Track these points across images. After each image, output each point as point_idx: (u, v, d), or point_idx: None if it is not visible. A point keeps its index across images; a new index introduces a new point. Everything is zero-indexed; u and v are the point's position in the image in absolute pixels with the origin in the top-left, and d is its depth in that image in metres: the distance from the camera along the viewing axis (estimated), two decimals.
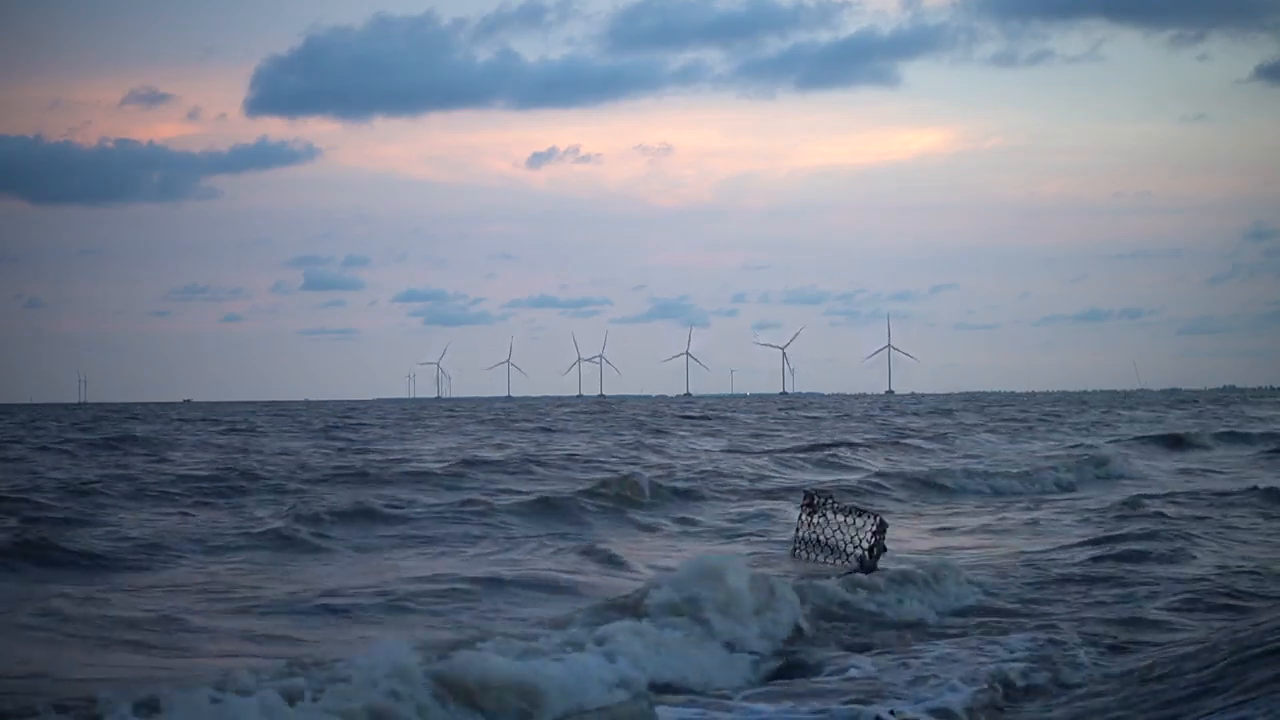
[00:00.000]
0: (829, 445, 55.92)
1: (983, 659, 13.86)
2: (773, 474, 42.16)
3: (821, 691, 12.69)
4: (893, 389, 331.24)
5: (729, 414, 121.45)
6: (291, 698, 10.67)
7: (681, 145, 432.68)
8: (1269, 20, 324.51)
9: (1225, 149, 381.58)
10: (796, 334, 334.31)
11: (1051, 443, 62.69)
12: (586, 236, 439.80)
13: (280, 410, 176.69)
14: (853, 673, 13.53)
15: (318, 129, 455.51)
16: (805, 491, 25.75)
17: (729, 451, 54.71)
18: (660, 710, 11.79)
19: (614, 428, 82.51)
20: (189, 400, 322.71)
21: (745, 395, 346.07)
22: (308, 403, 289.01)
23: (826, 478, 39.86)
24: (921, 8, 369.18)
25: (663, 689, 12.79)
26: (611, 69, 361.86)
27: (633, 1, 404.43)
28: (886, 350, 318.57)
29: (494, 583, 19.07)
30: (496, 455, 48.39)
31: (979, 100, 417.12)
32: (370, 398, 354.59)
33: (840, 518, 23.91)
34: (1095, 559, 21.88)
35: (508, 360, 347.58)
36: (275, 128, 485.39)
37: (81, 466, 43.50)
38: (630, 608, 15.19)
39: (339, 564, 22.01)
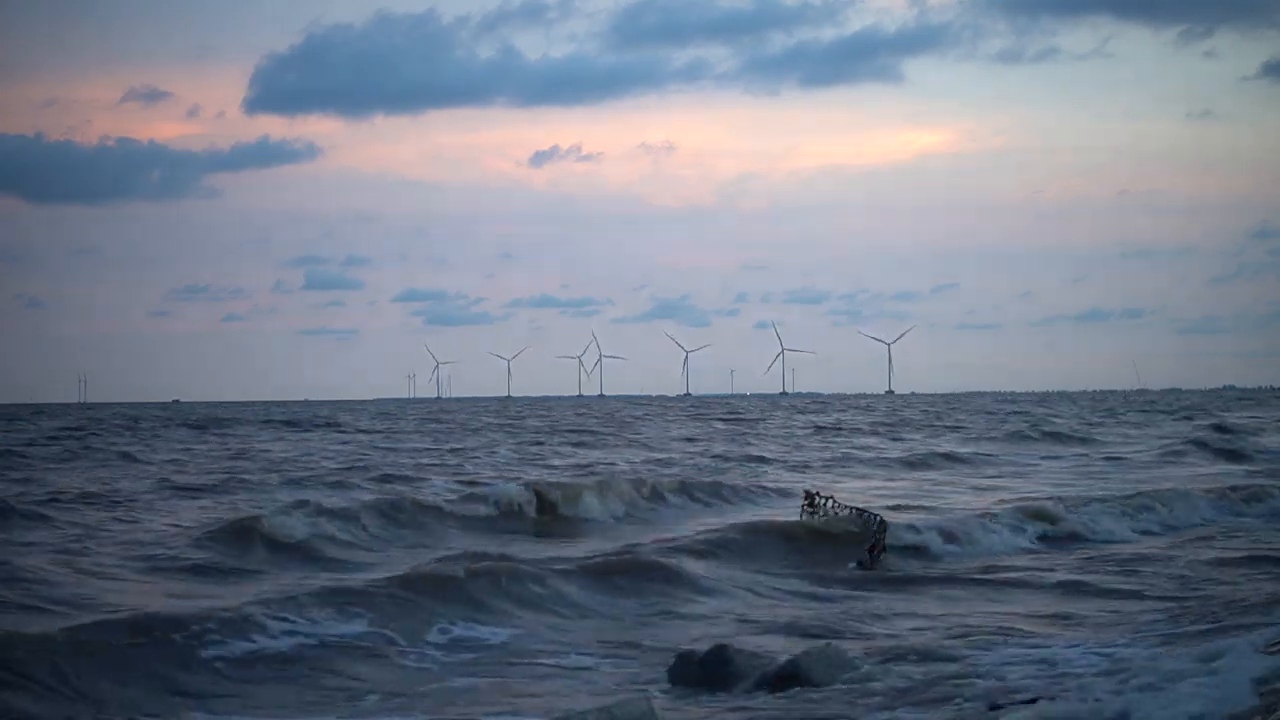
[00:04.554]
0: None
1: None
2: None
3: None
4: (893, 389, 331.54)
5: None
6: None
7: (684, 144, 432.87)
8: (1277, 17, 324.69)
9: (1232, 147, 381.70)
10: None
11: None
12: (587, 236, 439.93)
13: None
14: None
15: (318, 127, 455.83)
16: (805, 491, 25.90)
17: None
18: None
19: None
20: (178, 400, 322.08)
21: (746, 395, 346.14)
22: (307, 402, 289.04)
23: None
24: (927, 5, 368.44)
25: None
26: (614, 66, 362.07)
27: None
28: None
29: None
30: None
31: (984, 98, 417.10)
32: (370, 398, 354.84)
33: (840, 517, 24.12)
34: None
35: (508, 360, 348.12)
36: (276, 126, 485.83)
37: None
38: None
39: None
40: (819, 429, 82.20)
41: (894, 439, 69.74)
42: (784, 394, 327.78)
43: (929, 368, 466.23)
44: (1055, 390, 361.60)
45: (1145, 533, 27.68)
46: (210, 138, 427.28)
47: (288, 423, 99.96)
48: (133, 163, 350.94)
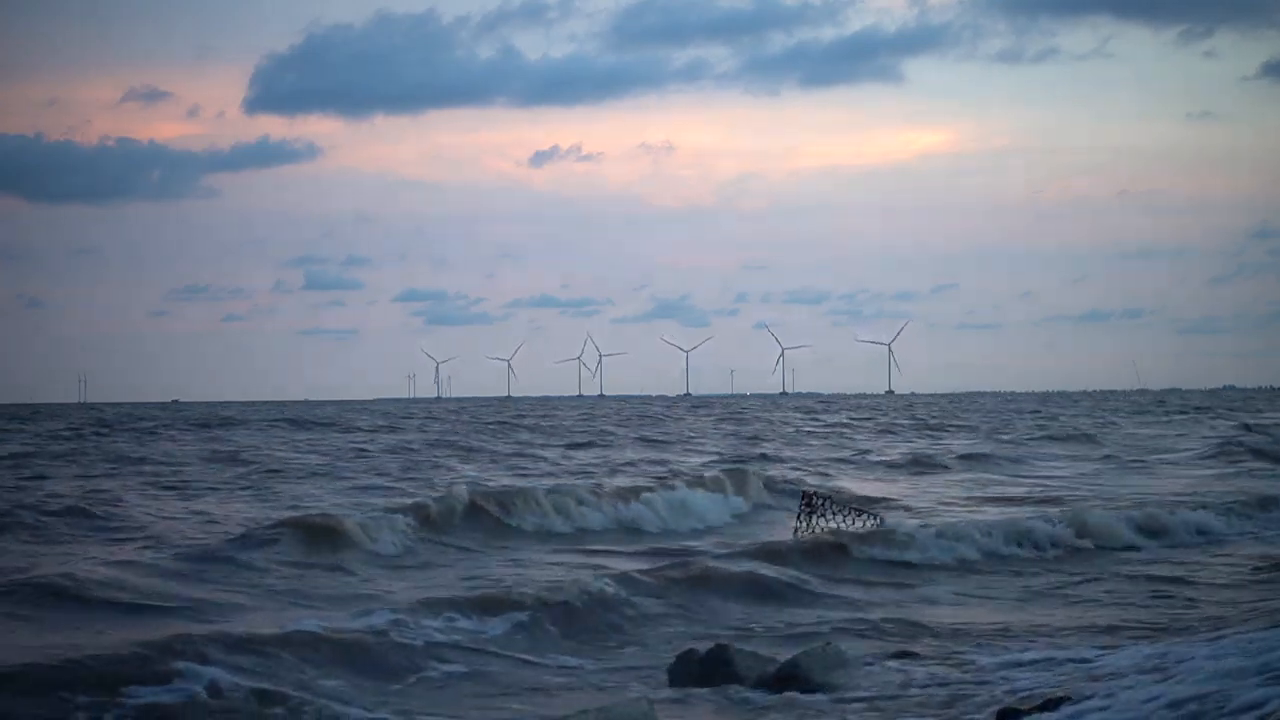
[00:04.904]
0: None
1: None
2: None
3: None
4: (893, 389, 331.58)
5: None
6: None
7: (684, 144, 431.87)
8: (1277, 17, 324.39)
9: (1232, 147, 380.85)
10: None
11: None
12: (587, 236, 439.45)
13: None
14: None
15: (318, 127, 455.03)
16: (804, 492, 26.15)
17: None
18: None
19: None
20: (178, 400, 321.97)
21: (746, 395, 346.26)
22: (308, 402, 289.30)
23: None
24: (927, 5, 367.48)
25: None
26: (614, 66, 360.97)
27: None
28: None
29: None
30: None
31: (984, 98, 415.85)
32: (370, 398, 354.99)
33: (840, 517, 24.37)
34: None
35: (508, 360, 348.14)
36: (276, 126, 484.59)
37: None
38: None
39: None
40: (830, 428, 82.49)
41: (903, 439, 69.64)
42: (784, 394, 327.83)
43: (929, 368, 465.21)
44: (1055, 390, 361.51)
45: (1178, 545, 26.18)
46: (210, 138, 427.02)
47: (292, 421, 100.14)
48: (133, 163, 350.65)
